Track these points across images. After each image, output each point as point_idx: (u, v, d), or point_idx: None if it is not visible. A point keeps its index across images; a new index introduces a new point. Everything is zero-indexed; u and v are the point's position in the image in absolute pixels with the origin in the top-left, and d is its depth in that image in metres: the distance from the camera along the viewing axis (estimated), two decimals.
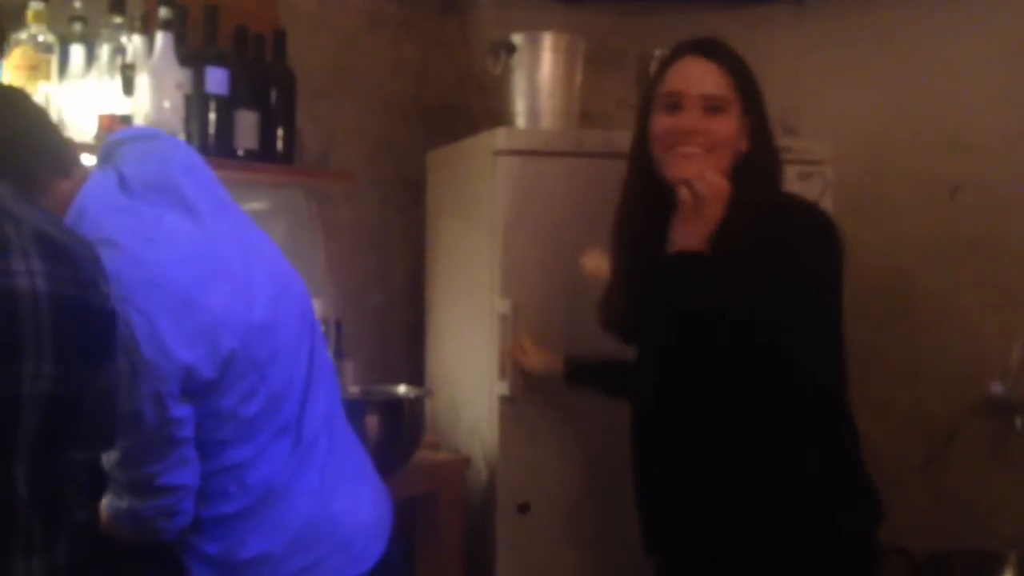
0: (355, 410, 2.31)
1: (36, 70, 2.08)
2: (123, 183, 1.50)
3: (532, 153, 2.58)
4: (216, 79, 2.41)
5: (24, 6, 2.09)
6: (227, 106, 2.43)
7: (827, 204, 2.69)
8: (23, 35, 2.09)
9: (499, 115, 2.83)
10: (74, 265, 1.11)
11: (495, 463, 2.56)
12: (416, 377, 2.94)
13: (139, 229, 1.41)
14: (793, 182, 2.66)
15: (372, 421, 2.34)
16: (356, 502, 1.65)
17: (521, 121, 2.74)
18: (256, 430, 1.50)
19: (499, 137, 2.59)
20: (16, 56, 2.07)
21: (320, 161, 2.74)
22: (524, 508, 2.54)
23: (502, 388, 2.53)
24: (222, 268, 1.48)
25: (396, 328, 3.15)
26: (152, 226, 1.43)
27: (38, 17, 2.10)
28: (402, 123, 3.18)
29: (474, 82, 3.23)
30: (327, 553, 1.58)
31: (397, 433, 2.39)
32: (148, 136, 1.63)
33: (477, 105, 3.21)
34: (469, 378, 2.71)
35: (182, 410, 1.39)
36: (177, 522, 1.47)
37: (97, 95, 2.17)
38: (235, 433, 1.48)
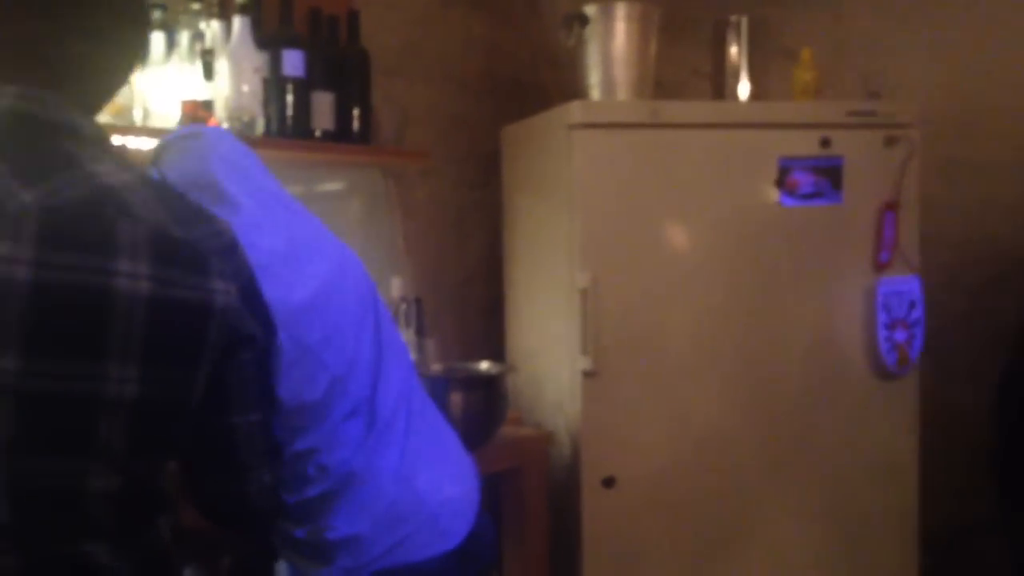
0: (439, 388, 2.33)
1: None
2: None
3: (607, 126, 2.56)
4: (293, 61, 2.42)
5: None
6: (304, 88, 2.45)
7: (914, 168, 2.63)
8: None
9: (572, 88, 2.80)
10: (189, 267, 1.08)
11: (579, 437, 2.55)
12: (496, 353, 2.95)
13: None
14: (878, 147, 2.61)
15: (456, 398, 2.35)
16: (441, 479, 1.65)
17: (595, 94, 2.72)
18: (322, 415, 1.50)
19: (574, 111, 2.57)
20: None
21: (395, 140, 2.74)
22: (609, 482, 2.54)
23: (584, 362, 2.52)
24: (260, 258, 1.49)
25: (474, 305, 3.16)
26: None
27: None
28: (475, 100, 3.17)
29: (546, 56, 3.21)
30: (414, 531, 1.58)
31: (482, 410, 2.40)
32: (191, 135, 1.63)
33: (549, 79, 3.19)
34: (550, 353, 2.70)
35: None
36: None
37: (178, 81, 2.20)
38: (300, 420, 1.48)
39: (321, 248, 1.59)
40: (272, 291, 1.44)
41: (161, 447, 1.11)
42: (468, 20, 3.16)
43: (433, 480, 1.62)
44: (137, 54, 1.19)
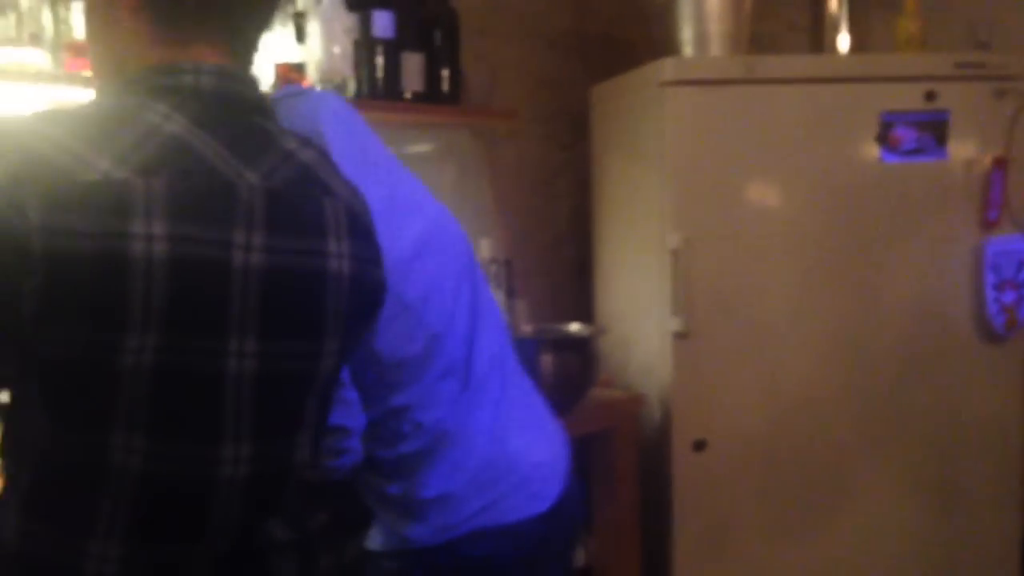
0: (530, 349, 2.32)
1: None
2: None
3: (701, 83, 2.50)
4: (382, 23, 2.42)
5: None
6: (393, 49, 2.44)
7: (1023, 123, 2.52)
8: None
9: (663, 44, 2.74)
10: (369, 241, 1.13)
11: (669, 400, 2.53)
12: (585, 314, 2.93)
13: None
14: (986, 100, 2.50)
15: (547, 360, 2.34)
16: (532, 442, 1.65)
17: (688, 50, 2.65)
18: (419, 373, 1.51)
19: (666, 67, 2.51)
20: None
21: (484, 100, 2.72)
22: (700, 446, 2.51)
23: (675, 324, 2.49)
24: (398, 206, 1.51)
25: (563, 265, 3.14)
26: None
27: None
28: (563, 58, 3.13)
29: (635, 11, 3.14)
30: (506, 492, 1.58)
31: (573, 372, 2.38)
32: (297, 93, 1.64)
33: (639, 35, 3.12)
34: (641, 314, 2.67)
35: None
36: (344, 461, 1.49)
37: (271, 45, 2.21)
38: (398, 376, 1.49)
39: (421, 206, 1.59)
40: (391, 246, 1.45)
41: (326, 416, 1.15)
42: None
43: (525, 443, 1.62)
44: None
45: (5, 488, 1.00)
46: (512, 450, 1.59)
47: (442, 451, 1.55)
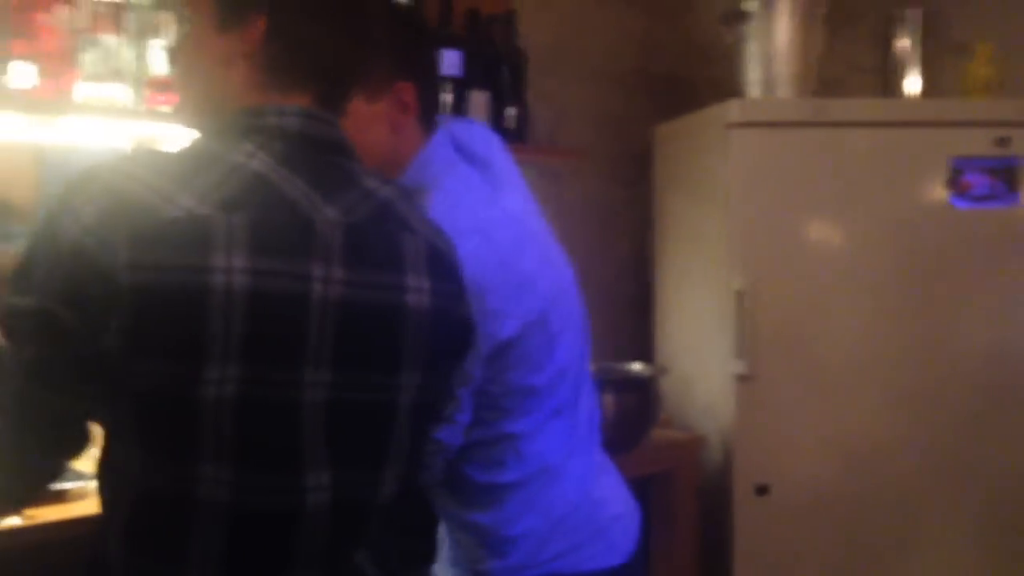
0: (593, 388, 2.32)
1: None
2: (456, 143, 1.54)
3: (767, 124, 2.49)
4: (451, 61, 2.45)
5: None
6: (461, 87, 2.47)
7: None
8: None
9: (726, 85, 2.74)
10: (452, 278, 1.13)
11: (731, 443, 2.50)
12: (642, 352, 2.91)
13: (472, 187, 1.46)
14: None
15: (609, 400, 2.32)
16: (612, 494, 1.64)
17: (754, 91, 2.65)
18: (537, 405, 1.49)
19: (732, 109, 2.51)
20: None
21: (549, 138, 2.74)
22: (763, 490, 2.48)
23: (738, 366, 2.46)
24: (529, 233, 1.51)
25: (621, 303, 3.13)
26: (478, 187, 1.47)
27: None
28: (627, 97, 3.14)
29: (699, 52, 3.15)
30: (585, 540, 1.57)
31: (634, 412, 2.37)
32: (462, 120, 1.68)
33: (703, 75, 3.13)
34: (702, 355, 2.66)
35: (469, 366, 1.40)
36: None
37: None
38: (516, 404, 1.47)
39: (556, 244, 1.60)
40: (540, 266, 1.47)
41: (425, 451, 1.17)
42: (621, 16, 3.13)
43: (607, 494, 1.61)
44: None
45: (104, 512, 1.03)
46: (596, 499, 1.58)
47: (537, 487, 1.53)
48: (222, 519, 0.98)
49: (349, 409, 1.03)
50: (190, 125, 1.13)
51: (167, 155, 1.00)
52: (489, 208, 1.45)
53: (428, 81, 1.47)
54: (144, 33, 1.94)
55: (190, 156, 1.01)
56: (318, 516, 1.02)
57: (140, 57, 1.94)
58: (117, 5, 1.90)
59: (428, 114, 1.46)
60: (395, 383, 1.06)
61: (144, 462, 0.97)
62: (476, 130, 1.59)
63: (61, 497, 1.60)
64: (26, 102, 1.82)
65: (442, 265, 1.11)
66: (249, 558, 1.00)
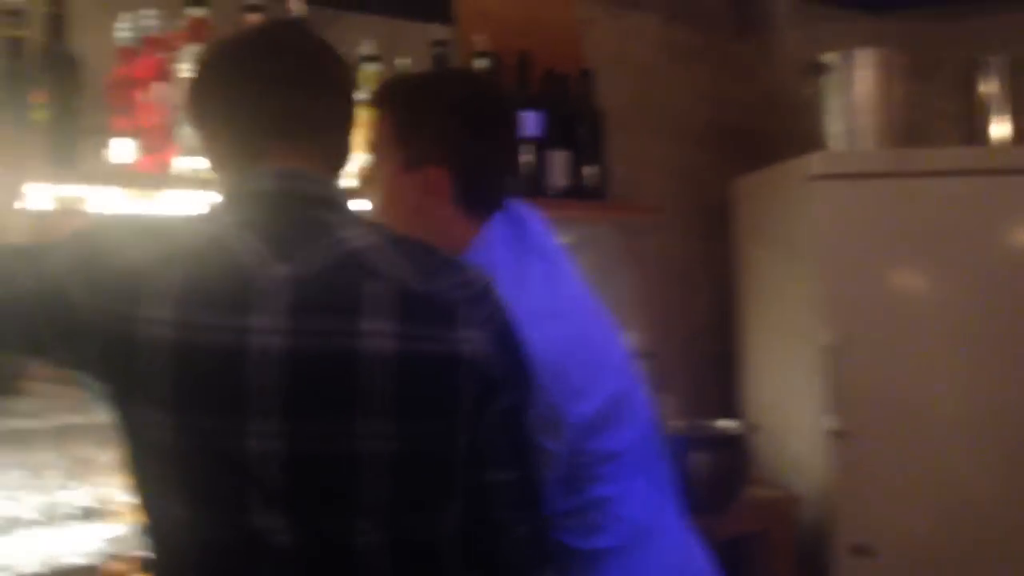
0: (678, 446, 2.28)
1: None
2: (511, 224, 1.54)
3: (851, 176, 2.47)
4: (530, 122, 2.47)
5: (357, 68, 2.23)
6: (540, 147, 2.49)
7: None
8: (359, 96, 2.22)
9: (806, 137, 2.72)
10: (433, 321, 1.08)
11: (827, 501, 2.44)
12: (725, 409, 2.87)
13: (534, 270, 1.46)
14: None
15: (698, 458, 2.29)
16: (707, 552, 1.62)
17: (835, 143, 2.63)
18: (622, 469, 1.49)
19: (814, 161, 2.50)
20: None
21: (626, 195, 2.74)
22: (861, 551, 2.41)
23: (832, 422, 2.41)
24: (592, 309, 1.51)
25: (702, 359, 3.10)
26: (540, 269, 1.47)
27: (372, 78, 2.23)
28: (702, 151, 3.13)
29: (774, 104, 3.14)
30: None
31: (724, 471, 2.33)
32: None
33: (778, 128, 3.11)
34: (792, 411, 2.61)
35: (554, 445, 1.40)
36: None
37: None
38: (604, 468, 1.47)
39: (607, 313, 1.59)
40: (609, 341, 1.48)
41: (429, 503, 1.11)
42: (694, 72, 3.13)
43: (704, 550, 1.59)
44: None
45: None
46: (697, 557, 1.57)
47: (638, 552, 1.51)
48: (194, 555, 1.04)
49: (308, 457, 1.03)
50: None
51: (152, 222, 1.12)
52: (555, 288, 1.46)
53: (474, 171, 1.43)
54: None
55: (164, 223, 1.12)
56: (281, 556, 1.04)
57: None
58: None
59: (475, 201, 1.44)
60: (352, 430, 1.04)
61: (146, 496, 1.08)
62: (523, 209, 1.57)
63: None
64: (126, 176, 1.87)
65: (417, 307, 1.07)
66: None
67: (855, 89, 2.59)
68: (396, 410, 1.05)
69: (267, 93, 1.14)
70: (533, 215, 1.57)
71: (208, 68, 1.19)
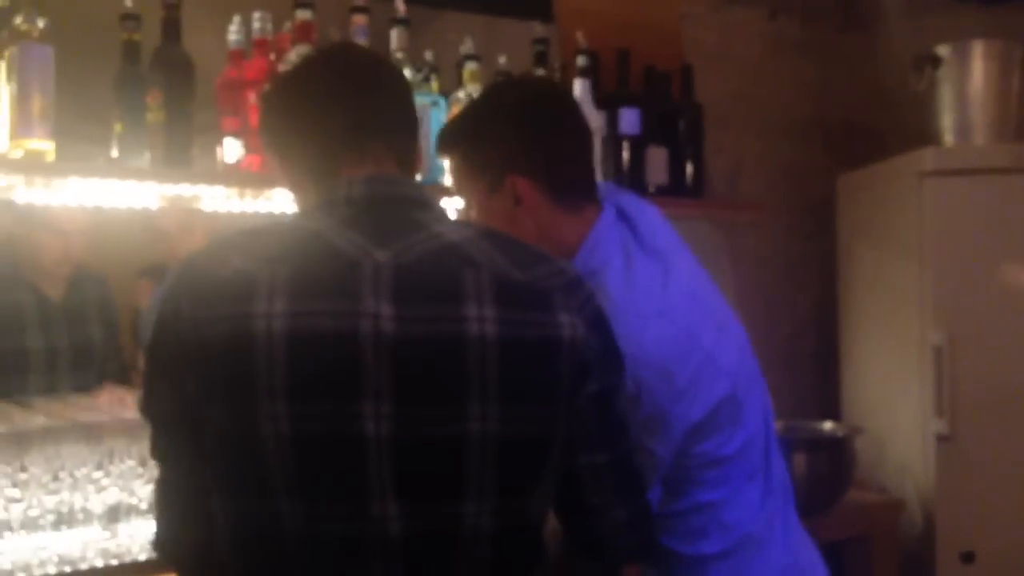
0: (783, 448, 2.24)
1: None
2: (623, 216, 1.52)
3: (963, 172, 2.39)
4: (629, 120, 2.46)
5: (459, 66, 2.25)
6: (639, 144, 2.47)
7: None
8: (460, 94, 2.24)
9: (914, 132, 2.65)
10: (530, 306, 1.11)
11: (933, 507, 2.38)
12: (827, 410, 2.81)
13: (643, 268, 1.44)
14: None
15: (800, 460, 2.25)
16: (817, 560, 1.59)
17: (948, 138, 2.55)
18: (730, 473, 1.46)
19: (926, 158, 2.43)
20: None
21: (727, 192, 2.71)
22: (969, 558, 2.34)
23: (939, 425, 2.34)
24: (704, 308, 1.48)
25: (803, 359, 3.04)
26: (649, 266, 1.46)
27: (473, 76, 2.25)
28: (805, 147, 3.07)
29: (881, 99, 3.06)
30: None
31: (826, 474, 2.28)
32: (625, 192, 1.64)
33: (886, 123, 3.03)
34: (897, 413, 2.54)
35: (659, 447, 1.40)
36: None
37: None
38: (710, 475, 1.46)
39: (729, 309, 1.57)
40: (721, 342, 1.44)
41: (531, 487, 1.12)
42: (797, 66, 3.07)
43: (813, 558, 1.57)
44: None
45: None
46: (804, 565, 1.54)
47: (745, 556, 1.49)
48: (304, 548, 1.05)
49: (417, 441, 1.05)
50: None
51: (249, 231, 1.14)
52: (665, 288, 1.42)
53: (549, 164, 1.44)
54: None
55: (263, 229, 1.15)
56: (390, 544, 1.05)
57: None
58: None
59: (565, 193, 1.44)
60: (462, 414, 1.06)
61: (226, 507, 1.08)
62: (636, 205, 1.55)
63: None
64: (236, 176, 1.93)
65: (516, 294, 1.10)
66: None
67: (969, 82, 2.50)
68: (501, 394, 1.07)
69: (335, 109, 1.19)
70: (647, 211, 1.55)
71: (276, 95, 1.26)
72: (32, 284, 2.03)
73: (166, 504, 1.17)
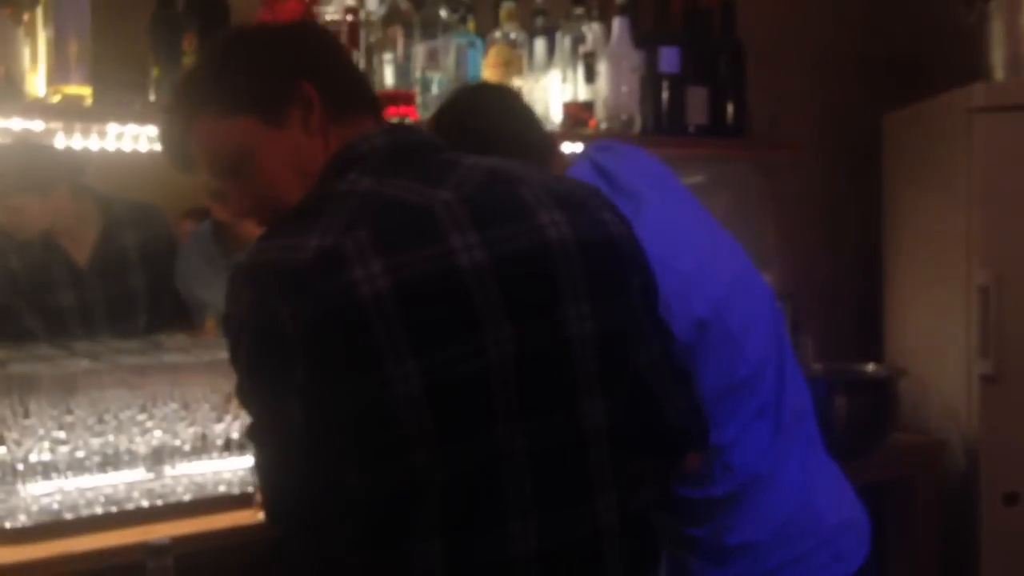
0: (820, 390, 2.22)
1: (510, 66, 2.20)
2: (599, 170, 1.56)
3: (1015, 108, 2.33)
4: (668, 58, 2.41)
5: (496, 6, 2.22)
6: (678, 84, 2.43)
7: None
8: (497, 34, 2.21)
9: (963, 68, 2.57)
10: (587, 209, 1.16)
11: (976, 448, 2.36)
12: (870, 351, 2.78)
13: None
14: None
15: (841, 403, 2.24)
16: (838, 500, 1.60)
17: (999, 74, 2.47)
18: (734, 410, 1.49)
19: (975, 93, 2.37)
20: (492, 55, 2.20)
21: (768, 132, 2.66)
22: (1012, 499, 2.33)
23: (984, 366, 2.32)
24: (685, 236, 1.52)
25: (847, 300, 3.01)
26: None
27: (510, 15, 2.21)
28: (850, 84, 3.00)
29: (929, 34, 2.97)
30: (812, 549, 1.54)
31: (869, 416, 2.27)
32: (606, 148, 1.68)
33: (934, 59, 2.95)
34: (941, 354, 2.51)
35: None
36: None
37: (561, 85, 2.26)
38: (718, 409, 1.47)
39: (735, 252, 1.61)
40: (699, 268, 1.48)
41: (623, 385, 1.16)
42: (842, 0, 2.99)
43: (832, 501, 1.58)
44: None
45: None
46: (820, 506, 1.56)
47: (751, 497, 1.52)
48: (440, 492, 1.05)
49: (536, 353, 1.08)
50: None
51: (288, 220, 1.10)
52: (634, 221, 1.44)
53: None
54: (376, 48, 2.02)
55: (304, 209, 1.12)
56: (522, 464, 1.07)
57: (373, 71, 2.01)
58: (350, 23, 1.98)
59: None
60: (563, 316, 1.09)
61: (362, 477, 1.07)
62: (614, 158, 1.59)
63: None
64: None
65: (571, 200, 1.15)
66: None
67: (1021, 15, 2.42)
68: (588, 291, 1.11)
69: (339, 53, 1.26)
70: (625, 157, 1.60)
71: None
72: (55, 244, 2.04)
73: (285, 476, 1.13)
